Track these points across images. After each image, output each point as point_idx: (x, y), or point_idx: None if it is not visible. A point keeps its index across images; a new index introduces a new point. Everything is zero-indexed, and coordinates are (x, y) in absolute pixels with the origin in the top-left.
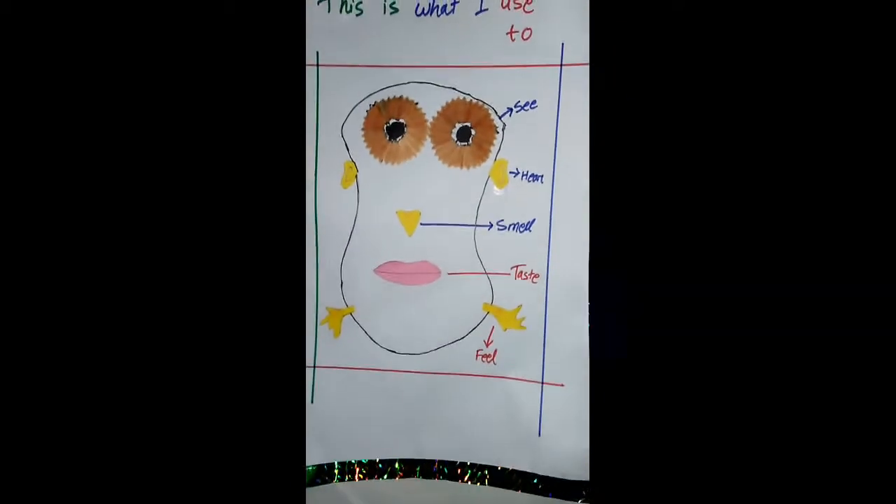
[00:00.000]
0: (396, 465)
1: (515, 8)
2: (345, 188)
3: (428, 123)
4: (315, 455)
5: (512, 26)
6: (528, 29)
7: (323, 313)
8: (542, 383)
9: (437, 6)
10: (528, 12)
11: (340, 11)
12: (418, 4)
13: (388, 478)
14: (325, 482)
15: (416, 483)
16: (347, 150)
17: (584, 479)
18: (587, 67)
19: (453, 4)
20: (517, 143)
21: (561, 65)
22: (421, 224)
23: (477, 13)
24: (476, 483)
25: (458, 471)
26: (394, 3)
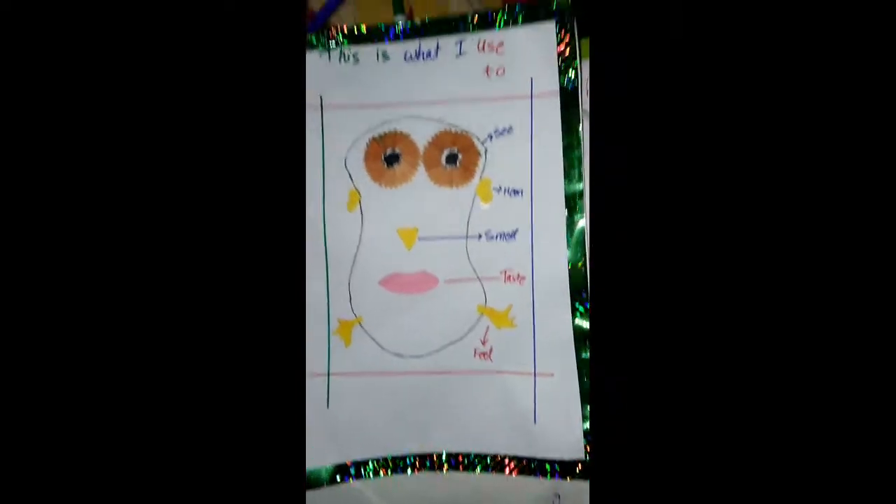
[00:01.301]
0: (407, 461)
1: (489, 51)
2: (350, 212)
3: (420, 152)
4: (332, 456)
5: (487, 66)
6: (501, 67)
7: (335, 325)
8: (535, 374)
9: (423, 52)
10: (500, 54)
11: (340, 62)
12: (406, 52)
13: (400, 473)
14: (342, 481)
15: (426, 476)
16: (351, 179)
17: (577, 457)
18: (556, 97)
19: (436, 50)
20: (498, 163)
21: (531, 96)
22: (419, 239)
23: (457, 56)
24: (481, 472)
25: (465, 461)
26: (385, 52)
